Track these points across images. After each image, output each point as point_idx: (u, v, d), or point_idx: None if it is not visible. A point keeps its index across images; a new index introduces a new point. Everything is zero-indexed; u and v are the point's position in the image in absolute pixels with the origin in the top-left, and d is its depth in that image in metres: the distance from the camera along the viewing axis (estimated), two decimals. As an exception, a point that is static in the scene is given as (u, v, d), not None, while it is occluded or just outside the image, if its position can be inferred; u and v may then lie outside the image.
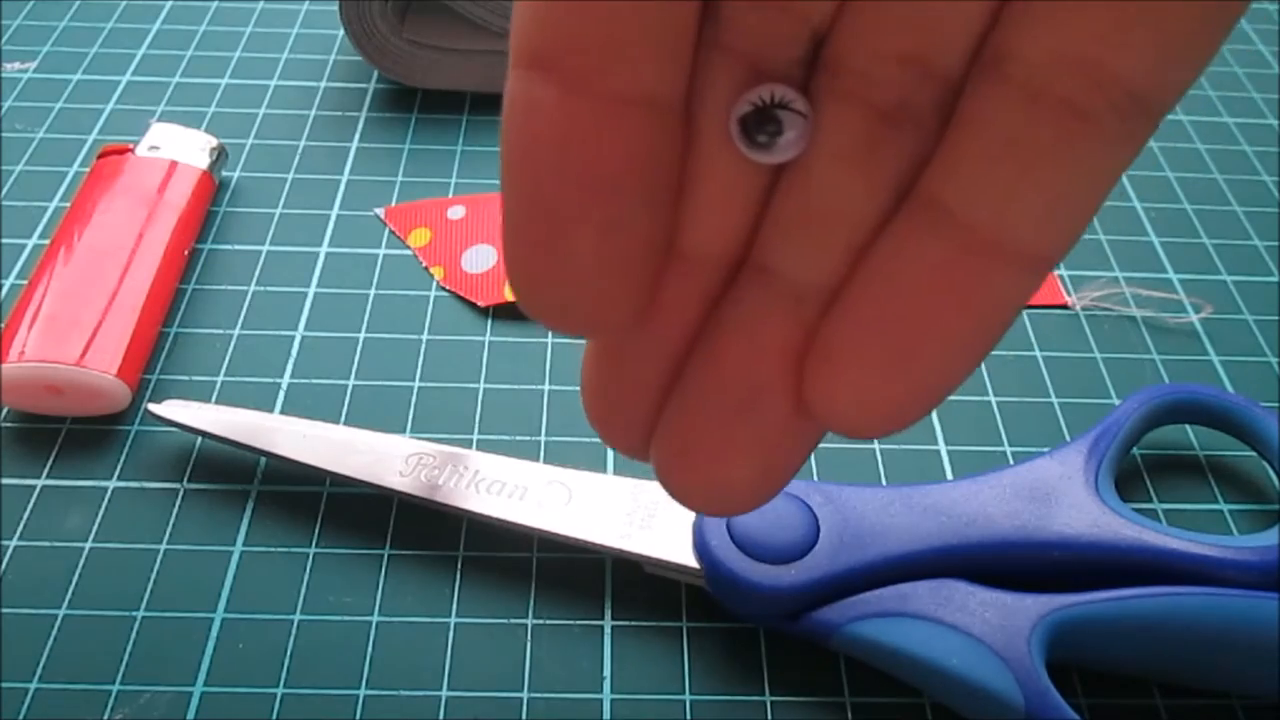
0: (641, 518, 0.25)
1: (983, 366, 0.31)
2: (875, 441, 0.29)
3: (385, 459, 0.26)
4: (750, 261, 0.14)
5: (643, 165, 0.12)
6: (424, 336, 0.31)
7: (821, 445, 0.29)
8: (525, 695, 0.24)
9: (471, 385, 0.30)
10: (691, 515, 0.25)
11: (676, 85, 0.12)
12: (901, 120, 0.13)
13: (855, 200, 0.13)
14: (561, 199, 0.12)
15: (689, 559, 0.24)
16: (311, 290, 0.32)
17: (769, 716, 0.24)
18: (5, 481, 0.27)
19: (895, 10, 0.12)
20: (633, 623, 0.25)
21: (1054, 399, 0.30)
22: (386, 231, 0.34)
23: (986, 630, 0.22)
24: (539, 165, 0.12)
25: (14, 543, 0.26)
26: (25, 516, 0.26)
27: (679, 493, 0.14)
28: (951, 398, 0.30)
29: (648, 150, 0.12)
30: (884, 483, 0.28)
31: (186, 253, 0.32)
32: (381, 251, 0.34)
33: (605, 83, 0.12)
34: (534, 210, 0.12)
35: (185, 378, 0.30)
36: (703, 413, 0.14)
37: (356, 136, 0.38)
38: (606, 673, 0.24)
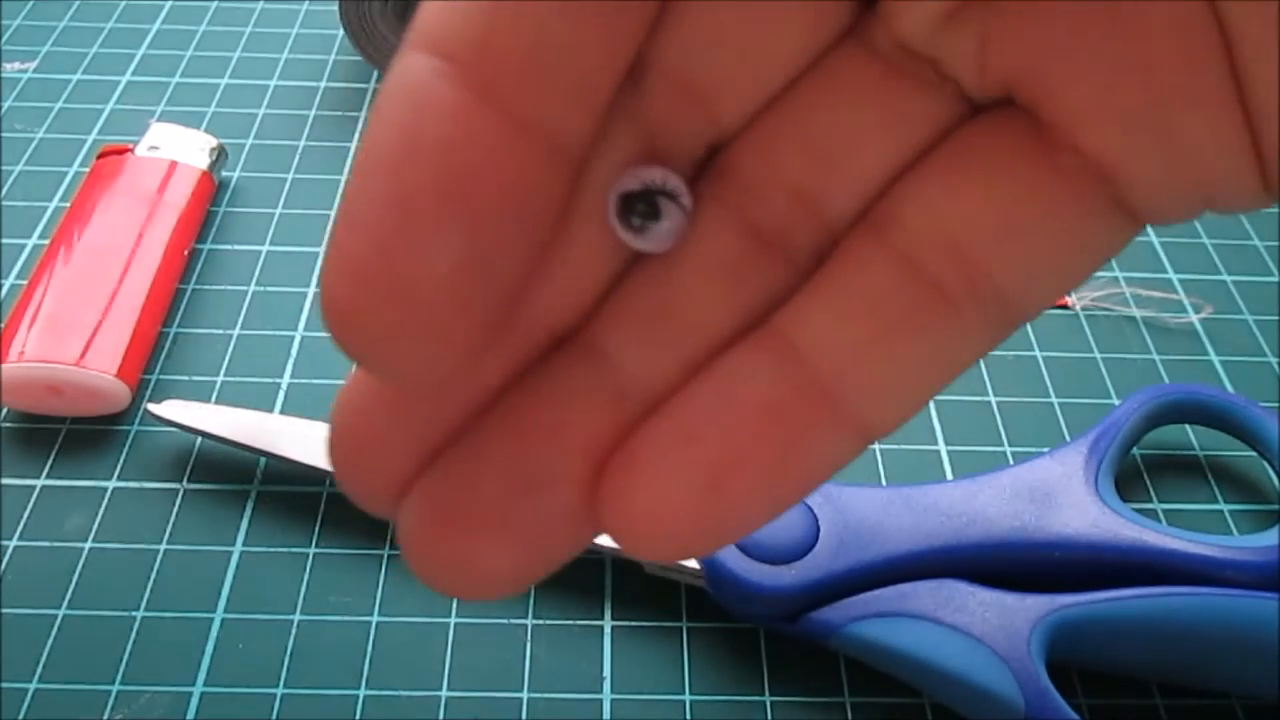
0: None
1: (982, 366, 0.31)
2: (875, 441, 0.29)
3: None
4: (582, 337, 0.13)
5: (524, 202, 0.11)
6: (424, 336, 0.31)
7: (821, 445, 0.29)
8: (525, 695, 0.24)
9: (471, 385, 0.30)
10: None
11: (582, 133, 0.11)
12: (775, 250, 0.13)
13: (710, 312, 0.13)
14: (430, 206, 0.10)
15: (689, 559, 0.24)
16: (311, 290, 0.32)
17: (769, 716, 0.24)
18: (5, 481, 0.27)
19: (802, 142, 0.12)
20: (633, 623, 0.25)
21: (1054, 399, 0.30)
22: (386, 231, 0.34)
23: (986, 630, 0.22)
24: (417, 162, 0.10)
25: (14, 543, 0.26)
26: (25, 516, 0.26)
27: (422, 565, 0.12)
28: (952, 398, 0.30)
29: (536, 187, 0.11)
30: (884, 483, 0.28)
31: (186, 253, 0.32)
32: (381, 251, 0.34)
33: (516, 102, 0.11)
34: (394, 208, 0.10)
35: (185, 378, 0.30)
36: (477, 482, 0.12)
37: (356, 136, 0.38)
38: (606, 673, 0.24)
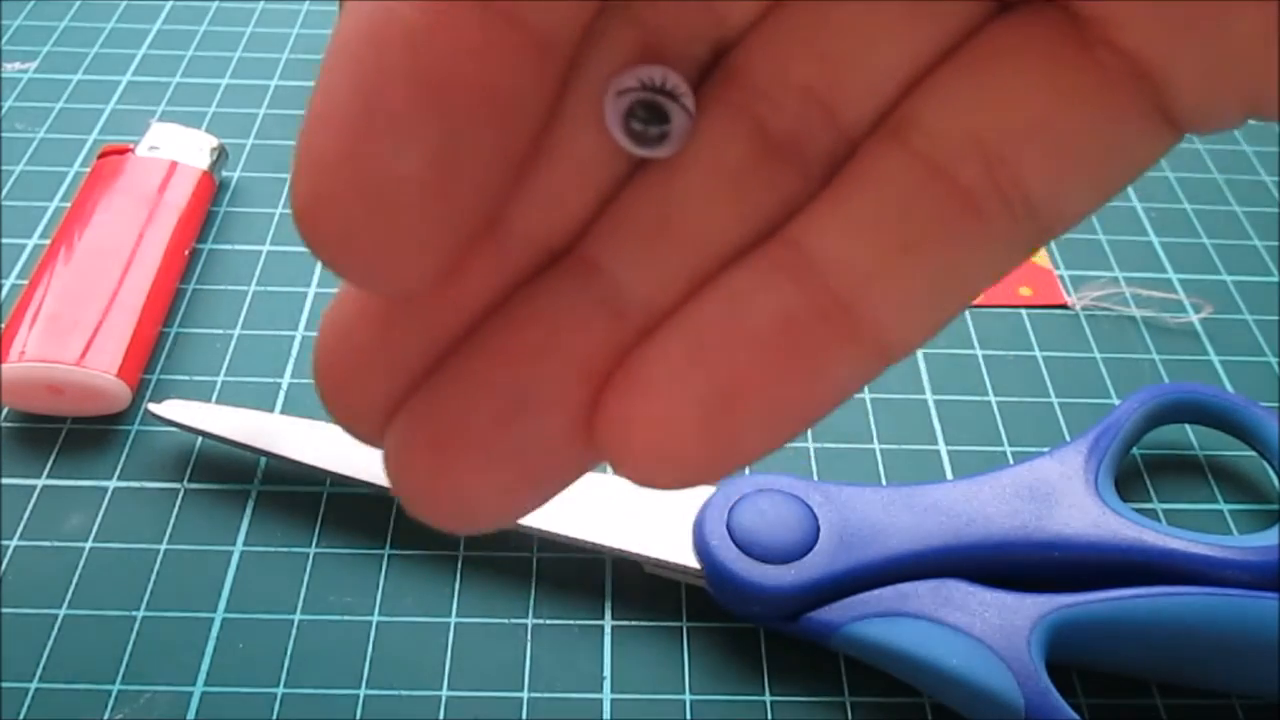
0: (642, 518, 0.25)
1: (982, 366, 0.31)
2: (875, 441, 0.29)
3: (385, 459, 0.26)
4: (577, 253, 0.12)
5: (507, 100, 0.10)
6: (424, 336, 0.31)
7: (822, 445, 0.29)
8: (525, 695, 0.24)
9: (471, 385, 0.30)
10: (692, 515, 0.25)
11: (571, 27, 0.11)
12: (788, 156, 0.12)
13: (716, 223, 0.12)
14: (400, 99, 0.10)
15: (689, 559, 0.24)
16: (311, 290, 0.32)
17: (769, 716, 0.24)
18: (5, 481, 0.27)
19: (816, 42, 0.11)
20: (633, 623, 0.25)
21: (1054, 399, 0.30)
22: (386, 231, 0.34)
23: (986, 630, 0.23)
24: (388, 52, 0.10)
25: (14, 543, 0.26)
26: (25, 516, 0.26)
27: (408, 492, 0.12)
28: (952, 398, 0.30)
29: (518, 85, 0.10)
30: (884, 483, 0.28)
31: (186, 253, 0.32)
32: (381, 251, 0.34)
33: None
34: (361, 101, 0.10)
35: (185, 378, 0.30)
36: (465, 405, 0.11)
37: (356, 136, 0.38)
38: (606, 673, 0.24)
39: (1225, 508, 0.28)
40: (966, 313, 0.32)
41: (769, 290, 0.11)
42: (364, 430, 0.12)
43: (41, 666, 0.24)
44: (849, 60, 0.11)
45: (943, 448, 0.29)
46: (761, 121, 0.12)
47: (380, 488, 0.26)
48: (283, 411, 0.29)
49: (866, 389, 0.30)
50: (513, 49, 0.10)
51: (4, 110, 0.38)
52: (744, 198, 0.12)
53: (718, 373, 0.11)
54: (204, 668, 0.24)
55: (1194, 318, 0.33)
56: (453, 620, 0.25)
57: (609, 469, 0.29)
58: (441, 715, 0.23)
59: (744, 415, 0.11)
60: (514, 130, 0.11)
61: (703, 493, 0.25)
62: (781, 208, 0.12)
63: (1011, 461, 0.28)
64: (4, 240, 0.33)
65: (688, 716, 0.24)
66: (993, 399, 0.30)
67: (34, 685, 0.23)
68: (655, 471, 0.12)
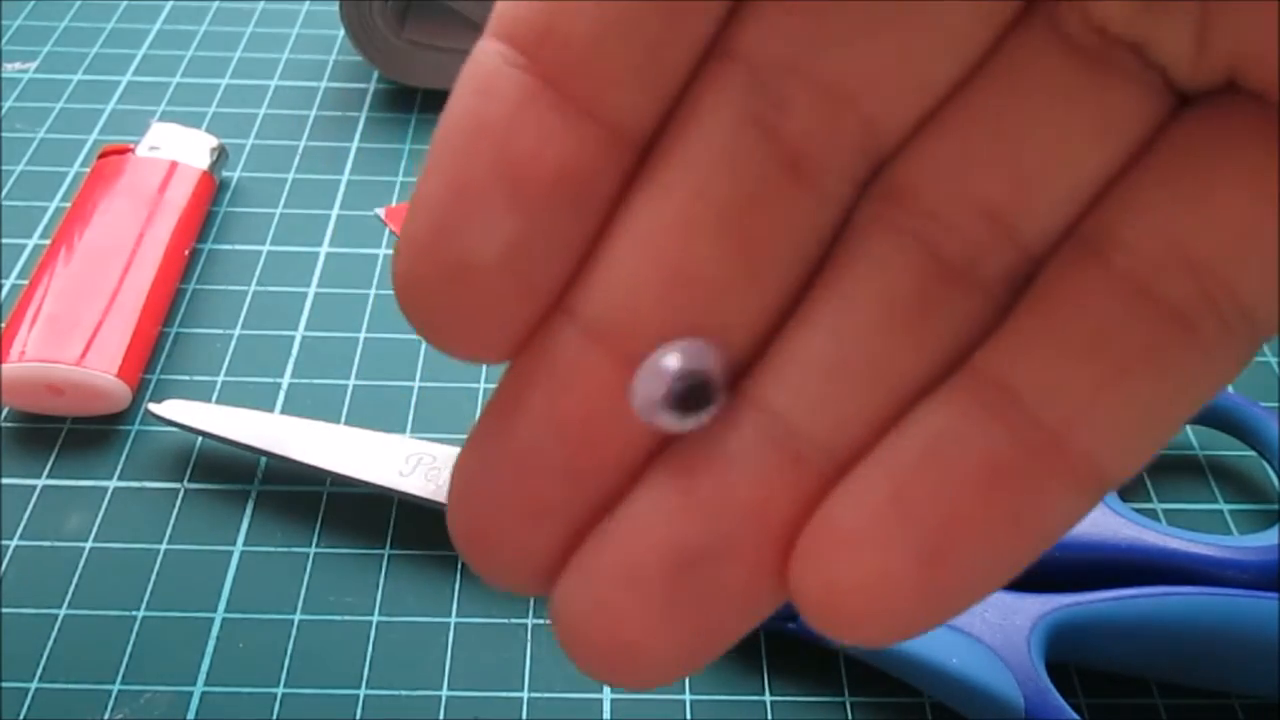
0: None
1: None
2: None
3: (385, 459, 0.26)
4: (741, 394, 0.11)
5: (580, 185, 0.11)
6: (424, 336, 0.31)
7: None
8: (525, 695, 0.24)
9: (472, 385, 0.30)
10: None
11: (646, 119, 0.11)
12: (965, 279, 0.11)
13: (895, 358, 0.11)
14: (486, 188, 0.10)
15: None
16: (311, 290, 0.32)
17: (769, 716, 0.24)
18: (5, 481, 0.27)
19: (995, 155, 0.11)
20: (633, 623, 0.25)
21: (1054, 399, 0.30)
22: (386, 231, 0.34)
23: (986, 630, 0.22)
24: (478, 146, 0.11)
25: (14, 543, 0.26)
26: (25, 516, 0.26)
27: (579, 651, 0.11)
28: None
29: (591, 172, 0.11)
30: (884, 483, 0.28)
31: (186, 253, 0.32)
32: (381, 251, 0.34)
33: (578, 87, 0.10)
34: (453, 191, 0.11)
35: (185, 378, 0.30)
36: (638, 556, 0.11)
37: (356, 136, 0.38)
38: (606, 673, 0.24)
39: (1225, 508, 0.28)
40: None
41: (972, 428, 0.11)
42: (521, 588, 0.12)
43: (41, 666, 0.24)
44: (1036, 174, 0.11)
45: (943, 448, 0.29)
46: (934, 244, 0.11)
47: (380, 488, 0.26)
48: (283, 411, 0.29)
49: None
50: (589, 138, 0.11)
51: (4, 110, 0.38)
52: (922, 328, 0.11)
53: (928, 522, 0.11)
54: (204, 668, 0.24)
55: (1194, 318, 0.33)
56: (453, 620, 0.25)
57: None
58: (441, 715, 0.23)
59: (959, 563, 0.11)
60: (589, 211, 0.11)
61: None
62: (964, 336, 0.11)
63: (1011, 461, 0.28)
64: (4, 240, 0.33)
65: (688, 716, 0.24)
66: (993, 399, 0.30)
67: (34, 685, 0.23)
68: (865, 624, 0.11)
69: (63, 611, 0.25)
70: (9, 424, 0.28)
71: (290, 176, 0.36)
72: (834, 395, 0.11)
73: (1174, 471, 0.29)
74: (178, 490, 0.27)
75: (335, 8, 0.42)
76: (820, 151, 0.11)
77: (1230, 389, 0.30)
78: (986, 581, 0.11)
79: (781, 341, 0.11)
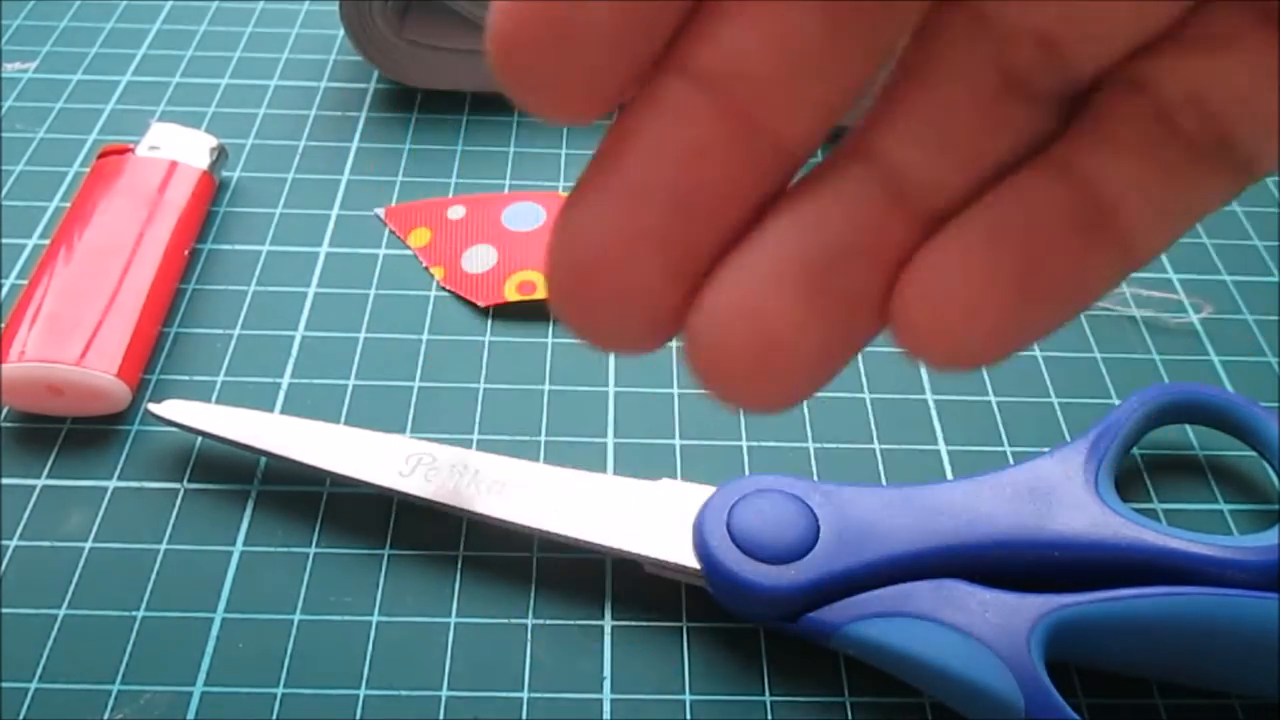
0: (641, 518, 0.25)
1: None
2: (875, 441, 0.29)
3: (385, 459, 0.26)
4: (858, 141, 0.13)
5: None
6: (424, 336, 0.31)
7: (822, 445, 0.29)
8: (525, 695, 0.24)
9: (471, 385, 0.30)
10: (692, 515, 0.25)
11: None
12: (1025, 92, 0.13)
13: (987, 131, 0.13)
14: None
15: (689, 559, 0.24)
16: (311, 290, 0.32)
17: (769, 716, 0.24)
18: (5, 481, 0.27)
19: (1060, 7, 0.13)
20: (633, 623, 0.25)
21: (1054, 399, 0.30)
22: (386, 231, 0.34)
23: (986, 630, 0.22)
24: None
25: (14, 543, 0.26)
26: (25, 516, 0.26)
27: (729, 362, 0.12)
28: (951, 397, 0.30)
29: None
30: (884, 483, 0.28)
31: (186, 253, 0.32)
32: (381, 251, 0.34)
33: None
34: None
35: (185, 378, 0.30)
36: (773, 269, 0.12)
37: (356, 136, 0.38)
38: (606, 673, 0.24)
39: (1225, 508, 0.28)
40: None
41: (1053, 190, 0.13)
42: (621, 329, 0.12)
43: (41, 666, 0.24)
44: (1089, 16, 0.12)
45: (943, 448, 0.29)
46: (1000, 59, 0.13)
47: (380, 488, 0.26)
48: (283, 411, 0.29)
49: (866, 389, 0.30)
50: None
51: (4, 110, 0.38)
52: (1001, 116, 0.13)
53: (1018, 256, 0.12)
54: (204, 668, 0.24)
55: (1194, 318, 0.33)
56: (453, 620, 0.25)
57: (608, 469, 0.29)
58: (441, 715, 0.23)
59: (1038, 298, 0.13)
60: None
61: (702, 493, 0.25)
62: (1031, 136, 0.13)
63: (1012, 461, 0.28)
64: (4, 240, 0.33)
65: (688, 717, 0.24)
66: (993, 399, 0.30)
67: (34, 685, 0.23)
68: (959, 345, 0.12)
69: (62, 612, 0.25)
70: (9, 424, 0.28)
71: (290, 176, 0.36)
72: (940, 151, 0.13)
73: (1174, 471, 0.29)
74: (177, 490, 0.27)
75: (335, 8, 0.42)
76: None
77: (1230, 389, 0.30)
78: (1051, 322, 0.13)
79: (886, 102, 0.13)
